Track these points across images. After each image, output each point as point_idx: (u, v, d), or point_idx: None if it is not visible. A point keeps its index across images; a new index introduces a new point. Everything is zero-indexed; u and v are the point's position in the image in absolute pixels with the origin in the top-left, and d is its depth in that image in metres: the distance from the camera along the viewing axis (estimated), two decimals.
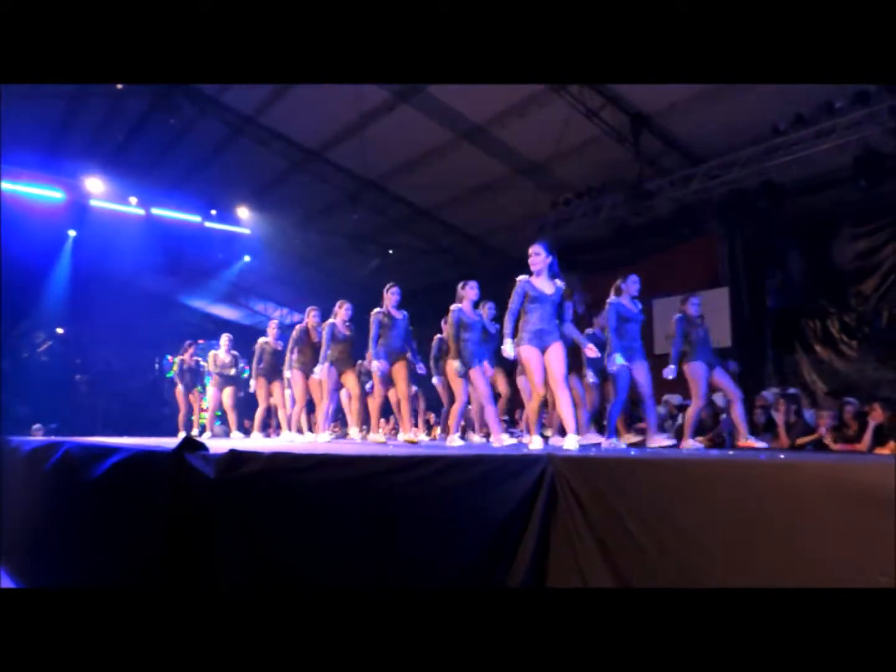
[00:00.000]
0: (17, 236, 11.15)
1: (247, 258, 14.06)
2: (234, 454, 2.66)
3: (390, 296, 5.61)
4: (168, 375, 9.14)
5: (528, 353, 4.37)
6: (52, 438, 5.92)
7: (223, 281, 15.32)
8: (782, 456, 2.66)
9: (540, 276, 4.51)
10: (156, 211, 12.05)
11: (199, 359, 9.27)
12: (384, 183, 11.84)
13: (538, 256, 4.47)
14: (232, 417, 8.43)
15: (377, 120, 9.93)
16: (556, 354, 4.34)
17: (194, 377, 9.03)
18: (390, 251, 13.48)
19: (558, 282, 4.52)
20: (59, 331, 14.34)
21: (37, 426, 11.27)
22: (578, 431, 4.81)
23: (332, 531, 2.50)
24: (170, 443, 3.79)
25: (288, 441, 6.86)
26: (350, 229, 12.68)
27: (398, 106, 9.58)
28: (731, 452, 4.25)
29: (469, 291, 5.40)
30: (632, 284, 5.41)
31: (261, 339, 7.93)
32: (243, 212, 12.59)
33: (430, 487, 2.40)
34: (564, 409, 4.34)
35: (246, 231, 13.01)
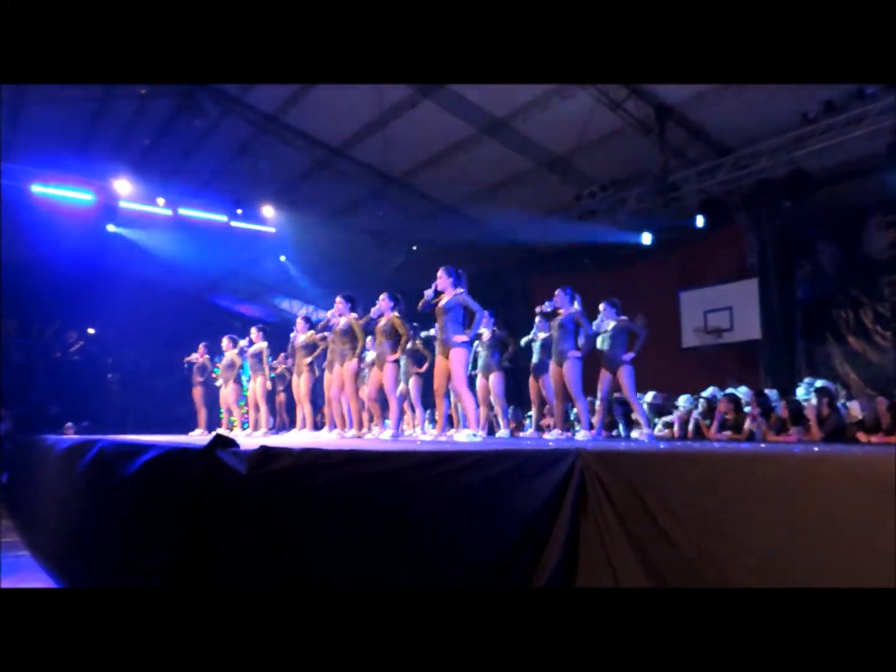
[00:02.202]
0: (47, 238, 11.38)
1: (282, 258, 14.22)
2: (265, 450, 2.68)
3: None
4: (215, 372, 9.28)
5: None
6: (87, 436, 6.03)
7: (249, 279, 15.46)
8: (816, 449, 2.61)
9: (444, 293, 5.15)
10: (183, 211, 12.20)
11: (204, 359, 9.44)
12: (407, 179, 11.85)
13: (440, 279, 5.15)
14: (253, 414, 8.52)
15: (399, 116, 9.94)
16: (457, 358, 4.95)
17: (201, 375, 9.17)
18: (414, 247, 13.50)
19: (459, 289, 5.09)
20: (91, 331, 14.59)
21: (69, 425, 11.49)
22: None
23: (359, 529, 2.50)
24: (202, 440, 3.84)
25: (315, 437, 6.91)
26: (374, 226, 12.71)
27: (420, 102, 9.57)
28: (762, 445, 4.20)
29: (380, 303, 6.12)
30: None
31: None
32: (268, 210, 12.68)
33: (459, 482, 2.39)
34: (468, 407, 5.02)
35: (271, 230, 13.11)
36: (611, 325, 6.00)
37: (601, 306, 6.14)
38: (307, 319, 7.50)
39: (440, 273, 5.19)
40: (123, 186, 11.29)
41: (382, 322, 6.04)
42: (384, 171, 11.63)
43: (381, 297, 6.02)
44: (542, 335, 6.62)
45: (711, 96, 8.39)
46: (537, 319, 6.72)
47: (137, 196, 11.57)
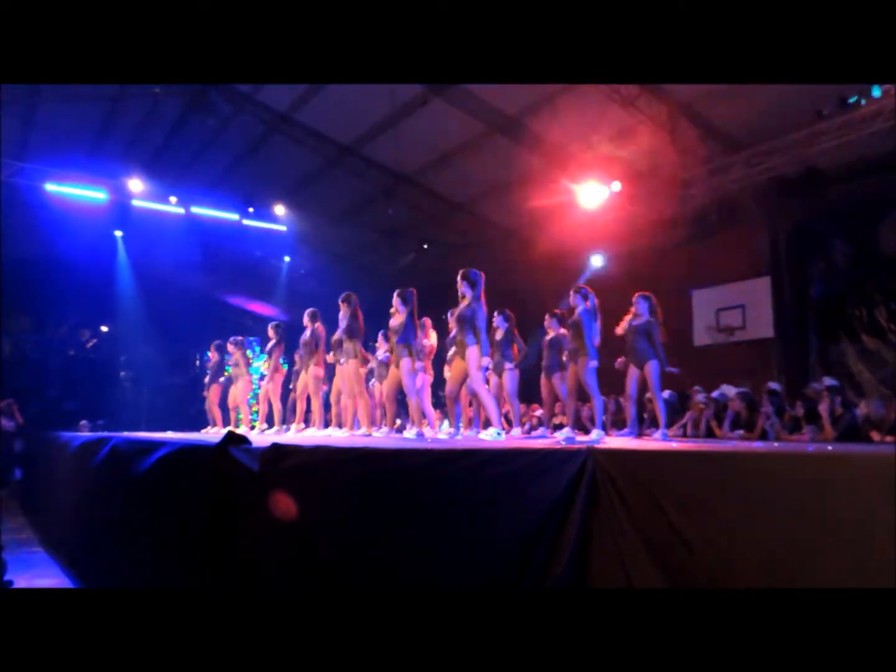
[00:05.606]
0: (62, 236, 11.48)
1: (287, 258, 14.26)
2: (276, 448, 2.69)
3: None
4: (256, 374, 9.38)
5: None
6: (100, 434, 6.07)
7: (261, 277, 15.52)
8: (830, 447, 2.59)
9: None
10: (195, 209, 12.27)
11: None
12: (418, 177, 11.85)
13: (460, 286, 5.26)
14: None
15: (411, 114, 9.94)
16: (471, 357, 5.09)
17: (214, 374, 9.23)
18: (425, 245, 13.50)
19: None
20: (104, 328, 14.69)
21: (83, 422, 11.60)
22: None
23: (371, 525, 2.51)
24: (215, 437, 3.86)
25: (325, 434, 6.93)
26: (385, 224, 12.72)
27: (431, 100, 9.57)
28: (775, 444, 4.17)
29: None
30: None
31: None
32: (280, 209, 12.73)
33: (470, 480, 2.39)
34: (488, 407, 5.16)
35: (282, 228, 13.15)
36: (641, 319, 5.96)
37: (634, 298, 6.07)
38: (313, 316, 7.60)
39: (459, 280, 5.30)
40: (136, 185, 11.38)
41: (395, 322, 5.98)
42: (395, 169, 11.64)
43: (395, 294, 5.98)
44: (551, 333, 6.62)
45: (724, 92, 8.33)
46: (547, 318, 6.72)
47: (150, 194, 11.67)
